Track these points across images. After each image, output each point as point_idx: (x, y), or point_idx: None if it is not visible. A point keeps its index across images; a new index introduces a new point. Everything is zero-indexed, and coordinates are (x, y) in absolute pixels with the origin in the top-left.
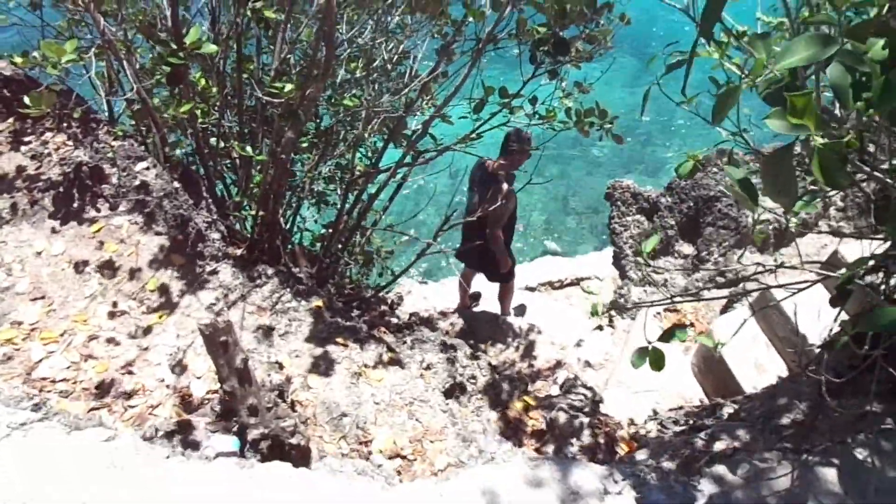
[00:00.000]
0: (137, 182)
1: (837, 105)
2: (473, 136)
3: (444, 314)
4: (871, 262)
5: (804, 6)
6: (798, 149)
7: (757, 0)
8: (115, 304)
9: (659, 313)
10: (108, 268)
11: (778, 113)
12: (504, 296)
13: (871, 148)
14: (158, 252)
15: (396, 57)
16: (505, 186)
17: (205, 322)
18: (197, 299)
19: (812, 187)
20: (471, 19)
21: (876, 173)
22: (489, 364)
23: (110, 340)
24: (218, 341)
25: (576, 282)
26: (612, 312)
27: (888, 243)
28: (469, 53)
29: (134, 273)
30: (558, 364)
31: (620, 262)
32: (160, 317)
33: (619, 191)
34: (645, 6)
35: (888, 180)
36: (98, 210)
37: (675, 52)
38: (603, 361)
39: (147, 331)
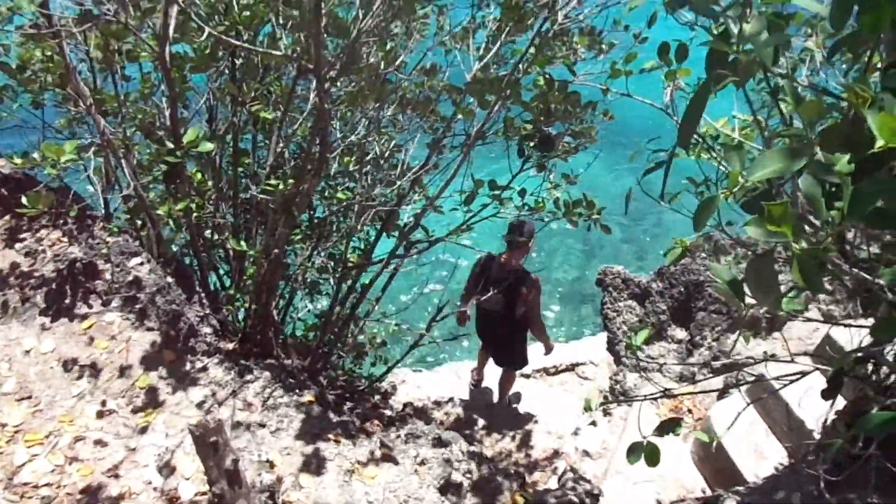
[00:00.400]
0: (131, 277)
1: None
2: (464, 227)
3: (438, 403)
4: (860, 353)
5: (774, 112)
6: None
7: (732, 99)
8: (103, 403)
9: (656, 400)
10: (98, 365)
11: (756, 221)
12: (506, 382)
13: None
14: (149, 348)
15: (389, 151)
16: (535, 277)
17: (195, 422)
18: (187, 397)
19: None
20: (460, 116)
21: (854, 269)
22: (485, 456)
23: (97, 442)
24: (208, 442)
25: (571, 367)
26: (608, 399)
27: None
28: (459, 148)
29: (124, 370)
30: (556, 454)
31: (615, 348)
32: (149, 416)
33: (609, 276)
34: (630, 103)
35: (867, 276)
36: (90, 306)
37: (655, 152)
38: (601, 450)
39: (135, 431)
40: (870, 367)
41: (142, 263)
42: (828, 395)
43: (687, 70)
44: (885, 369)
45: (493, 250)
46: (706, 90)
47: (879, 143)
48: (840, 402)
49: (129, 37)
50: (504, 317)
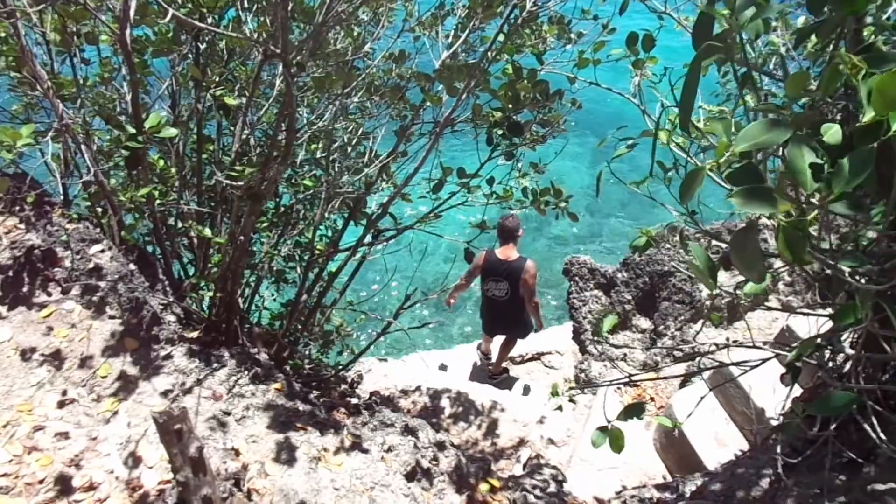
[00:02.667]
0: (91, 265)
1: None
2: (433, 215)
3: (405, 392)
4: (818, 340)
5: (748, 94)
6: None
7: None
8: (64, 393)
9: (619, 388)
10: (58, 354)
11: (742, 192)
12: (506, 347)
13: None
14: (111, 337)
15: (356, 138)
16: (531, 262)
17: (158, 410)
18: (151, 385)
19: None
20: (428, 104)
21: (816, 254)
22: (452, 444)
23: (58, 432)
24: (172, 429)
25: (536, 356)
26: (575, 392)
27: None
28: (427, 135)
29: (85, 359)
30: (521, 442)
31: (580, 337)
32: (111, 405)
33: (576, 266)
34: (600, 94)
35: (830, 262)
36: (49, 294)
37: (623, 139)
38: (566, 438)
39: (97, 420)
40: (827, 354)
41: (103, 251)
42: (786, 380)
43: (654, 59)
44: (841, 356)
45: (462, 238)
46: (697, 66)
47: (869, 115)
48: (798, 391)
49: (88, 18)
50: (509, 301)
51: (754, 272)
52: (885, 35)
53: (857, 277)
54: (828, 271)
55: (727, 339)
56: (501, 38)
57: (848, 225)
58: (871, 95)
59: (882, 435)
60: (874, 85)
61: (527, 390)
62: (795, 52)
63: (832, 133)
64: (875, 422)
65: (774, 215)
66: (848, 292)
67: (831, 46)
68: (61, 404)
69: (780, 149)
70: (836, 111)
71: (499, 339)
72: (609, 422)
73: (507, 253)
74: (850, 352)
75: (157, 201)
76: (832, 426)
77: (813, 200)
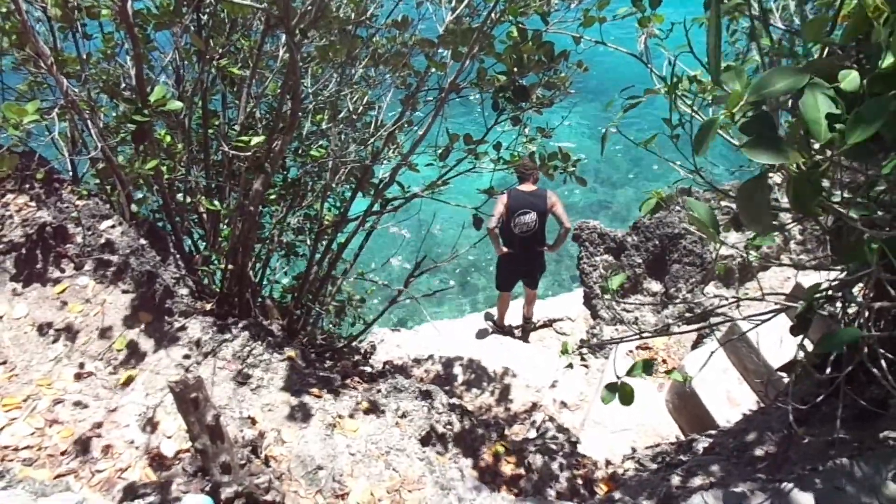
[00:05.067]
0: (103, 240)
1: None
2: (440, 182)
3: (417, 361)
4: (829, 292)
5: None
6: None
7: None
8: (81, 366)
9: (631, 351)
10: (74, 329)
11: (755, 141)
12: (532, 300)
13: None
14: (125, 310)
15: (362, 108)
16: (550, 191)
17: (174, 379)
18: (166, 356)
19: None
20: (433, 70)
21: (831, 205)
22: (465, 409)
23: (77, 403)
24: (188, 398)
25: (548, 323)
26: (585, 352)
27: (844, 273)
28: (433, 102)
29: (101, 333)
30: (534, 406)
31: (591, 302)
32: (128, 376)
33: (586, 232)
34: (605, 53)
35: (841, 210)
36: (62, 270)
37: (629, 98)
38: (578, 402)
39: (115, 391)
40: (838, 305)
41: (113, 226)
42: (796, 330)
43: (660, 17)
44: (853, 308)
45: (470, 205)
46: (717, 15)
47: (889, 60)
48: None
49: None
50: (537, 232)
51: (760, 224)
52: None
53: (868, 226)
54: (838, 223)
55: (741, 296)
56: None
57: (856, 175)
58: (893, 38)
59: (894, 382)
60: None
61: (488, 316)
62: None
63: (850, 80)
64: (887, 370)
65: (786, 166)
66: (857, 244)
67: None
68: (79, 377)
69: (794, 99)
70: (851, 59)
71: (514, 306)
72: (619, 377)
73: (530, 188)
74: (861, 301)
75: (166, 176)
76: (844, 373)
77: (826, 151)
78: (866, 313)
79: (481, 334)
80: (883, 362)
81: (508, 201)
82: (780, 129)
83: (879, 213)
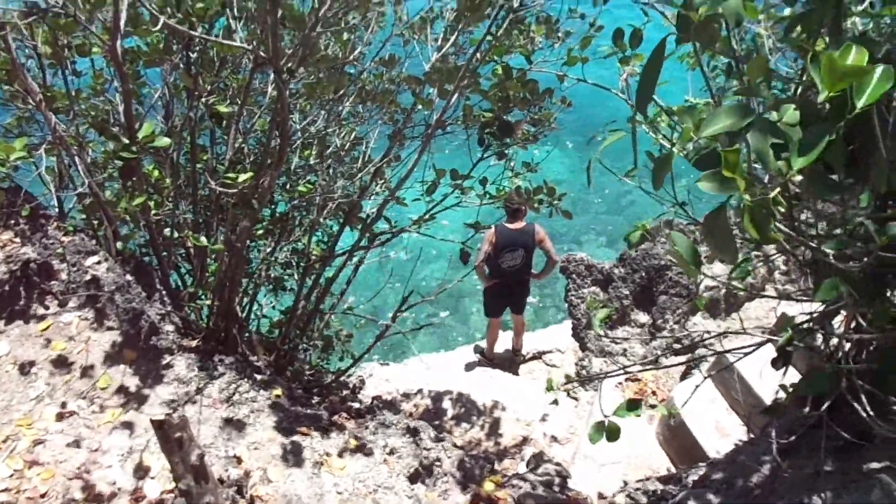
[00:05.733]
0: (88, 277)
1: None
2: (427, 217)
3: (407, 396)
4: (808, 324)
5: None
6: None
7: (688, 84)
8: (63, 405)
9: (621, 383)
10: (57, 367)
11: (709, 176)
12: (522, 328)
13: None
14: (110, 348)
15: (350, 143)
16: (536, 225)
17: (158, 418)
18: (151, 395)
19: (755, 252)
20: (419, 107)
21: (801, 238)
22: (454, 444)
23: (58, 444)
24: (172, 438)
25: (538, 355)
26: (573, 386)
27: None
28: (420, 138)
29: (84, 371)
30: (524, 441)
31: (580, 334)
32: (112, 416)
33: (573, 264)
34: (590, 95)
35: (811, 244)
36: (46, 307)
37: (613, 131)
38: (569, 435)
39: (98, 431)
40: (819, 337)
41: (99, 262)
42: (777, 364)
43: (640, 56)
44: (834, 339)
45: (456, 239)
46: (660, 52)
47: (823, 94)
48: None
49: (79, 30)
50: (523, 267)
51: (727, 253)
52: (865, 22)
53: (842, 260)
54: (815, 257)
55: (726, 329)
56: (490, 39)
57: (830, 211)
58: (820, 72)
59: (872, 414)
60: (822, 62)
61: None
62: (781, 43)
63: (790, 114)
64: (867, 402)
65: (740, 196)
66: (836, 270)
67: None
68: (61, 417)
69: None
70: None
71: (504, 337)
72: (605, 416)
73: (517, 224)
74: (840, 333)
75: (153, 211)
76: (824, 407)
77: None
78: (847, 345)
79: (470, 367)
80: (862, 394)
81: (496, 238)
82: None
83: (852, 248)
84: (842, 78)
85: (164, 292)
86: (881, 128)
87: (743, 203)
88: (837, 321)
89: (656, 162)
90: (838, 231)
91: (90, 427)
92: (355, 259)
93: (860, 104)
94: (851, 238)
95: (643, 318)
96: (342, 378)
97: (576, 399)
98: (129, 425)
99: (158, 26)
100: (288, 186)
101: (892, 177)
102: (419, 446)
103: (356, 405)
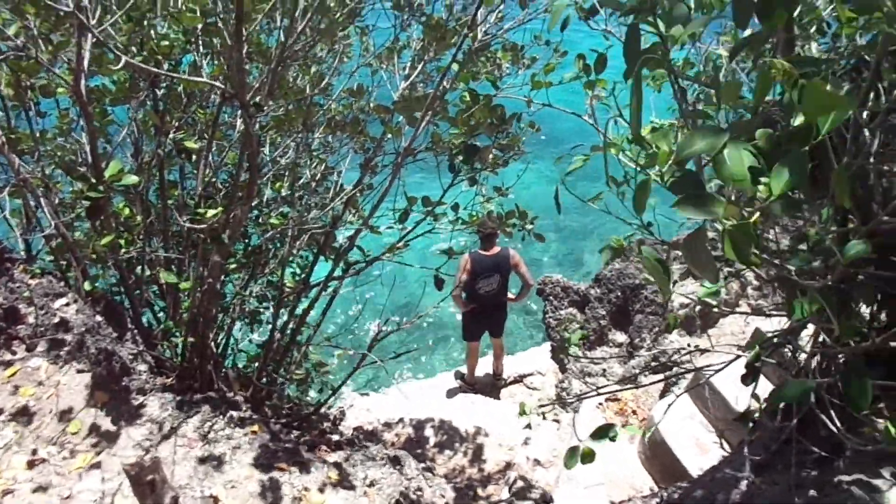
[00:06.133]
0: (57, 319)
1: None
2: (400, 244)
3: (388, 425)
4: (777, 340)
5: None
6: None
7: (650, 107)
8: (34, 452)
9: (601, 404)
10: (26, 413)
11: (686, 200)
12: (501, 352)
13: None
14: (81, 391)
15: (321, 174)
16: (511, 250)
17: (129, 462)
18: (125, 437)
19: (727, 268)
20: (389, 136)
21: (765, 257)
22: (436, 473)
23: (29, 493)
24: (144, 481)
25: (519, 379)
26: (550, 409)
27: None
28: (391, 166)
29: (54, 416)
30: (508, 466)
31: (559, 356)
32: (84, 461)
33: (549, 286)
34: (560, 117)
35: (774, 262)
36: (13, 353)
37: (577, 157)
38: (552, 458)
39: (69, 478)
40: (788, 352)
41: (68, 304)
42: (746, 380)
43: (602, 81)
44: (804, 355)
45: (430, 266)
46: (638, 77)
47: (799, 119)
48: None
49: (42, 72)
50: (499, 292)
51: (709, 273)
52: (818, 41)
53: (805, 276)
54: (779, 274)
55: (696, 346)
56: (456, 66)
57: (796, 226)
58: (802, 100)
59: (842, 428)
60: (806, 91)
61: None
62: (737, 64)
63: (766, 138)
64: (837, 416)
65: (719, 220)
66: (801, 288)
67: (764, 57)
68: (31, 465)
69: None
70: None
71: (484, 361)
72: (580, 441)
73: (492, 249)
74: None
75: (123, 250)
76: (794, 421)
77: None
78: (814, 361)
79: (451, 393)
80: (830, 408)
81: (471, 266)
82: (707, 186)
83: (814, 263)
84: (825, 108)
85: (135, 331)
86: (840, 146)
87: (724, 228)
88: (805, 336)
89: (637, 187)
90: (802, 247)
91: (61, 474)
92: (330, 289)
93: (825, 130)
94: (814, 254)
95: (621, 337)
96: (322, 410)
97: (557, 422)
98: (101, 469)
99: (120, 65)
100: (260, 219)
101: (855, 191)
102: (401, 476)
103: (337, 437)
